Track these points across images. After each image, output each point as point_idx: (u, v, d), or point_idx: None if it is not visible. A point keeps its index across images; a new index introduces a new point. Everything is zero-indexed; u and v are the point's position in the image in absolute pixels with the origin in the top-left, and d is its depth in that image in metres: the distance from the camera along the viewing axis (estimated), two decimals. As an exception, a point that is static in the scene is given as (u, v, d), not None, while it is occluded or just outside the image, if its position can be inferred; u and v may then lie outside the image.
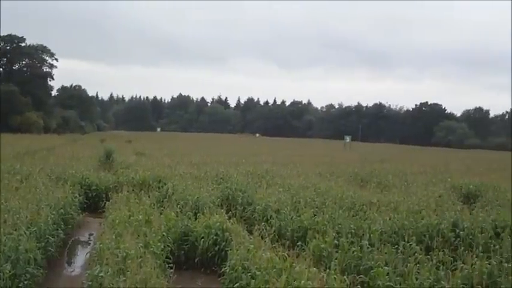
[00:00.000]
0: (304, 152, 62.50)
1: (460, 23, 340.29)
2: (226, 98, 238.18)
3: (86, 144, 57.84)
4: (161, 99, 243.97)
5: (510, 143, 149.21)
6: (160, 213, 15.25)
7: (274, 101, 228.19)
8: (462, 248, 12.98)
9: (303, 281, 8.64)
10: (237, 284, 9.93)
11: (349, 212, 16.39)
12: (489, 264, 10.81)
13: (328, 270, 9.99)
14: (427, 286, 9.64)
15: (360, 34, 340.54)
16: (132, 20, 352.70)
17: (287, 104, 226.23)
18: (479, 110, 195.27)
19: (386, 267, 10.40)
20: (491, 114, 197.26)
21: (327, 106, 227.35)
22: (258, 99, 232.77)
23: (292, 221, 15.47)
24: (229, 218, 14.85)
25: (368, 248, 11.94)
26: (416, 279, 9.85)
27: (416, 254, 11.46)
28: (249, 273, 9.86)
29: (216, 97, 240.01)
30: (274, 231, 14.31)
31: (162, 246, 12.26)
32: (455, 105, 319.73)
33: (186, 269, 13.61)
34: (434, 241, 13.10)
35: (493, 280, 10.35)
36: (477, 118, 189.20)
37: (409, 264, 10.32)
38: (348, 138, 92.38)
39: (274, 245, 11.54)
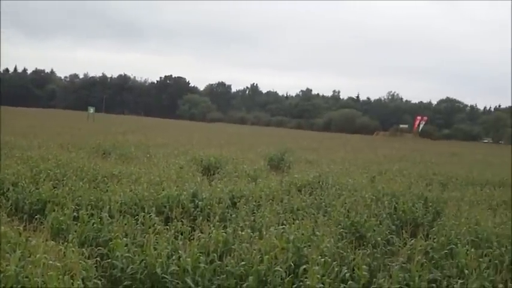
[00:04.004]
0: (46, 123, 60.65)
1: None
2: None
3: None
4: None
5: (249, 117, 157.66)
6: None
7: (15, 68, 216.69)
8: (201, 217, 13.46)
9: (38, 255, 8.41)
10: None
11: (90, 184, 16.36)
12: (225, 232, 11.38)
13: (66, 243, 9.85)
14: (165, 255, 9.85)
15: (109, 3, 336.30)
16: None
17: (29, 72, 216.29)
18: (221, 84, 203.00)
19: (125, 239, 10.47)
20: (233, 89, 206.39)
21: (71, 76, 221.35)
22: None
23: (30, 193, 14.97)
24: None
25: (108, 219, 11.96)
26: (155, 249, 10.03)
27: (155, 225, 11.68)
28: (-19, 250, 9.39)
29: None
30: (11, 205, 13.95)
31: None
32: (200, 79, 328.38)
33: None
34: (174, 212, 13.43)
35: (228, 247, 10.89)
36: (219, 93, 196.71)
37: (148, 235, 10.47)
38: (91, 110, 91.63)
39: (10, 219, 11.18)
